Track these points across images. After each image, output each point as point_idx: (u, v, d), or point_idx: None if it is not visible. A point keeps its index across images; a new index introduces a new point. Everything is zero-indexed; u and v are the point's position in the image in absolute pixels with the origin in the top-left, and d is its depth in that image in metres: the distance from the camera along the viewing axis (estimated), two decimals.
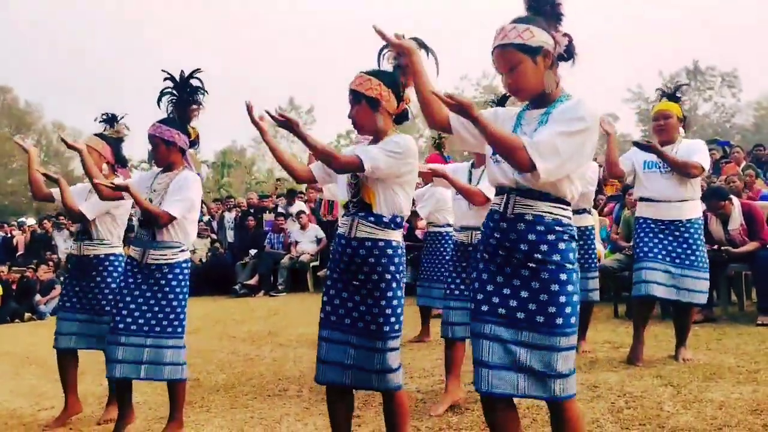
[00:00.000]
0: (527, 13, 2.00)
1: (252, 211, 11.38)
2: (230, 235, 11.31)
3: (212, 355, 5.45)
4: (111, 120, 3.87)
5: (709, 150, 9.60)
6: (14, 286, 10.15)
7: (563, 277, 1.94)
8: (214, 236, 11.21)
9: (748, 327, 5.10)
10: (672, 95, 4.23)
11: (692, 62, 35.98)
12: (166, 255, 3.16)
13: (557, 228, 1.95)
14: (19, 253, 12.77)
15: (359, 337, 2.48)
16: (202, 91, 3.31)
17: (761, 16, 41.66)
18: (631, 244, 5.72)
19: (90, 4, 56.64)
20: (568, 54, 2.01)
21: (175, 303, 3.16)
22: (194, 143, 3.36)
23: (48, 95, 58.14)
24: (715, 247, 5.59)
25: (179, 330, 3.18)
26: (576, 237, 2.03)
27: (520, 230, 1.96)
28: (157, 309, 3.13)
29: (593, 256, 4.57)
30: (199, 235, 10.89)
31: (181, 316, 3.19)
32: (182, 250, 3.22)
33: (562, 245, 1.95)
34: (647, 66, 54.14)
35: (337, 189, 2.82)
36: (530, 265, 1.95)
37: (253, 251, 10.27)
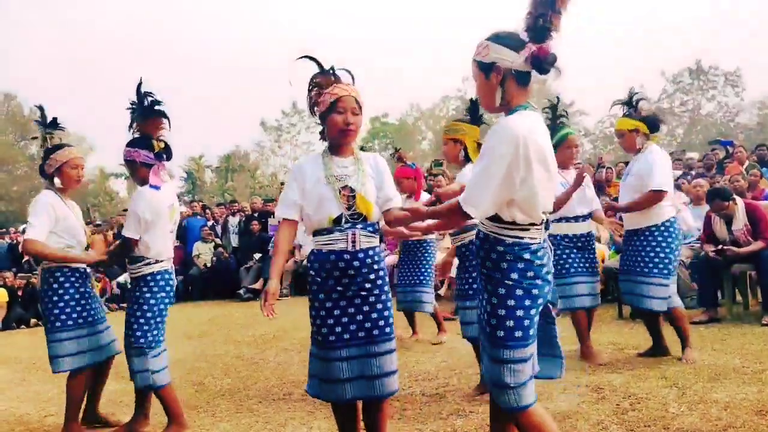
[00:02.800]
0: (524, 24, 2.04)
1: (256, 215, 11.39)
2: (234, 240, 11.33)
3: (217, 359, 5.46)
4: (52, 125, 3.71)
5: (712, 150, 9.62)
6: (20, 293, 10.18)
7: (501, 291, 2.07)
8: (218, 241, 11.23)
9: (753, 327, 5.08)
10: (629, 104, 4.29)
11: (695, 61, 35.92)
12: (133, 270, 3.39)
13: (498, 248, 2.08)
14: (24, 259, 12.81)
15: (358, 348, 2.50)
16: (157, 104, 3.39)
17: (764, 14, 41.60)
18: None
19: (95, 10, 56.89)
20: (539, 67, 2.02)
21: (139, 313, 3.33)
22: (160, 156, 3.39)
23: (52, 102, 58.11)
24: (719, 247, 5.59)
25: (141, 341, 3.33)
26: (522, 257, 2.07)
27: (486, 249, 2.13)
28: (131, 320, 3.35)
29: (595, 261, 4.52)
30: (204, 240, 10.90)
31: (145, 327, 3.33)
32: (147, 264, 3.36)
33: (503, 264, 2.07)
34: (649, 66, 53.99)
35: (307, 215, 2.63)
36: (487, 278, 2.13)
37: (257, 255, 10.29)
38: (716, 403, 3.17)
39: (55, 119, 3.73)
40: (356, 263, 2.50)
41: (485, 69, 2.08)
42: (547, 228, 2.15)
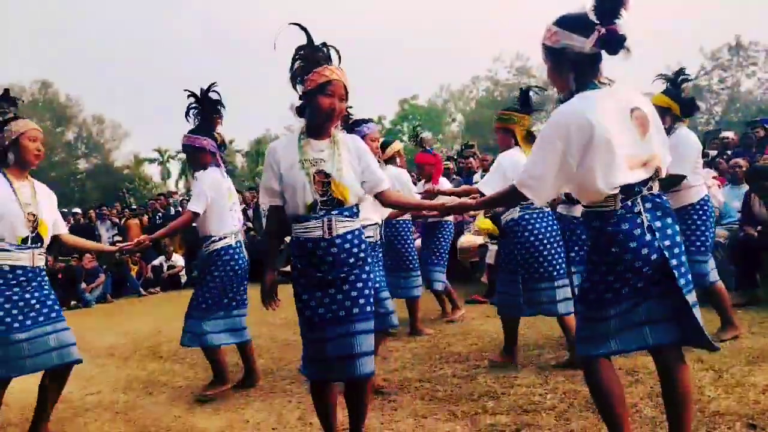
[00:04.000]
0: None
1: None
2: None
3: None
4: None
5: (753, 129, 9.32)
6: (60, 275, 10.47)
7: (594, 257, 2.22)
8: (249, 224, 11.36)
9: None
10: (673, 82, 4.19)
11: (734, 37, 34.73)
12: (204, 248, 3.79)
13: (583, 217, 2.27)
14: None
15: (340, 326, 2.47)
16: (221, 104, 3.85)
17: None
18: None
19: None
20: (609, 48, 2.06)
21: (203, 283, 3.77)
22: (221, 146, 3.91)
23: (88, 89, 59.22)
24: (759, 228, 5.44)
25: (204, 305, 3.77)
26: (605, 221, 2.15)
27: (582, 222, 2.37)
28: (197, 290, 3.82)
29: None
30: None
31: (207, 295, 3.76)
32: (213, 241, 3.75)
33: (590, 232, 2.24)
34: (688, 42, 52.42)
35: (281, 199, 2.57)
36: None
37: (288, 239, 10.37)
38: (754, 387, 3.10)
39: (6, 91, 3.26)
40: (333, 250, 2.46)
41: (555, 54, 2.16)
42: (638, 193, 2.10)
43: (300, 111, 2.59)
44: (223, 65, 55.82)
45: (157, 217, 12.37)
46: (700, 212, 4.04)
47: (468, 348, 4.54)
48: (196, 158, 3.81)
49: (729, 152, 8.63)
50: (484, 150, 13.27)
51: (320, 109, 2.47)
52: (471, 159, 9.44)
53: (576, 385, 3.35)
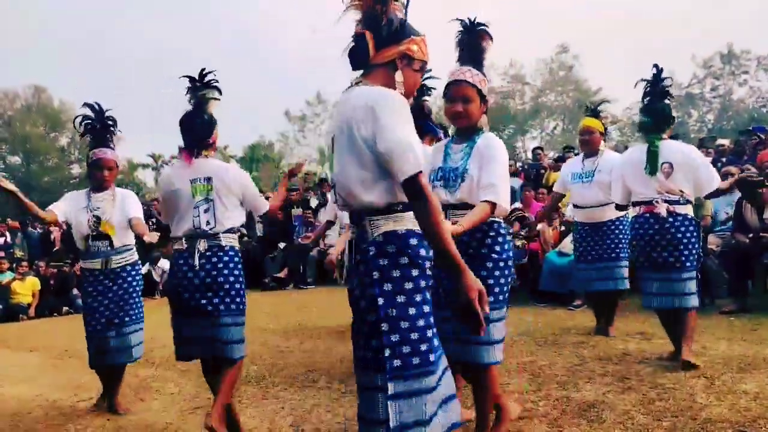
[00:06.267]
0: (464, 59, 2.66)
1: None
2: (259, 229, 11.44)
3: None
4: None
5: (750, 137, 9.39)
6: (52, 282, 10.42)
7: (489, 264, 2.56)
8: (243, 230, 11.35)
9: None
10: (594, 111, 4.77)
11: (726, 45, 34.98)
12: (132, 256, 3.90)
13: (484, 227, 2.57)
14: (55, 248, 13.08)
15: None
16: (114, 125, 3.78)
17: None
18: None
19: (125, 2, 57.54)
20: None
21: (136, 295, 3.93)
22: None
23: (82, 94, 59.14)
24: (750, 235, 5.48)
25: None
26: (504, 234, 2.62)
27: (478, 231, 2.60)
28: (132, 302, 3.95)
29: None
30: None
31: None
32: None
33: (488, 240, 2.56)
34: (680, 51, 52.80)
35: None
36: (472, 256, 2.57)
37: (281, 245, 10.37)
38: (746, 394, 3.12)
39: (203, 72, 3.16)
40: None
41: (482, 97, 2.64)
42: None
43: (366, 61, 1.91)
44: (217, 71, 55.80)
45: (151, 222, 12.32)
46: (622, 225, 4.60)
47: None
48: (114, 175, 3.82)
49: (724, 159, 8.70)
50: None
51: (414, 86, 1.98)
52: None
53: (569, 392, 3.36)
